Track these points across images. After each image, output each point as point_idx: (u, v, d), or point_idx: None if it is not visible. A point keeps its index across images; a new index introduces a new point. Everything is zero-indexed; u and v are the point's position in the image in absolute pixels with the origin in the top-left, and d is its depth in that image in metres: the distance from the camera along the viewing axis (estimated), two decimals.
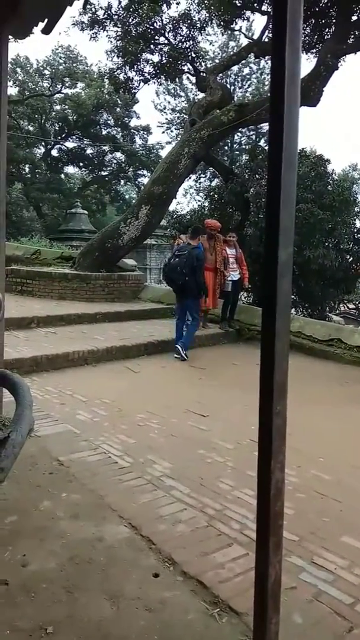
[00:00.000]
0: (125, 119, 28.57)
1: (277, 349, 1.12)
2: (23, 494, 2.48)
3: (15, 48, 36.90)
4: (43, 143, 29.03)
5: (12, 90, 27.39)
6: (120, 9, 11.89)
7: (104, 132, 29.17)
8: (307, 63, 12.05)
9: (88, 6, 11.66)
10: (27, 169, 29.46)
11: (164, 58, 12.32)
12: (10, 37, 3.58)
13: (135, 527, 2.27)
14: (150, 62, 12.54)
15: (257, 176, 11.46)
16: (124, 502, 2.53)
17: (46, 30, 3.51)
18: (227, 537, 2.48)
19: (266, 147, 15.76)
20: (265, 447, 1.15)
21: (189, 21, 12.00)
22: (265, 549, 1.21)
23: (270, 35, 11.58)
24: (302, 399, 4.95)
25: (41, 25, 3.48)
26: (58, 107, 28.36)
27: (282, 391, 1.14)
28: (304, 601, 2.07)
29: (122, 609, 1.79)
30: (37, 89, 27.81)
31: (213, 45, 25.14)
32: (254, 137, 23.67)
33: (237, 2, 11.41)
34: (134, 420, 4.29)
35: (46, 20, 3.42)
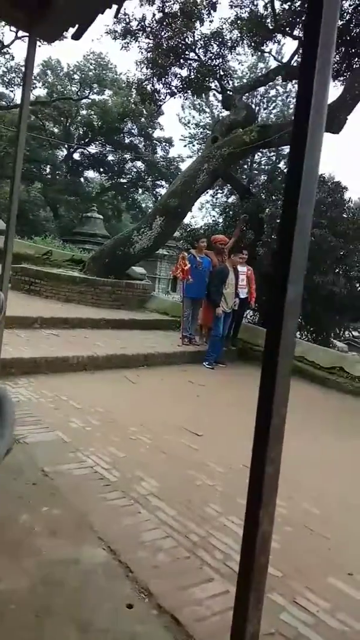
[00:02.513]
0: (149, 129, 28.78)
1: (276, 393, 1.04)
2: (2, 504, 2.39)
3: (47, 51, 37.45)
4: (66, 146, 29.28)
5: (41, 92, 27.75)
6: (154, 21, 11.98)
7: (126, 141, 29.39)
8: (332, 90, 12.08)
9: (122, 16, 11.77)
10: (47, 170, 29.72)
11: (192, 73, 12.38)
12: (38, 40, 3.57)
13: (114, 552, 2.17)
14: (179, 76, 12.61)
15: (273, 197, 11.45)
16: (105, 523, 2.44)
17: (76, 36, 3.49)
18: (209, 569, 2.37)
19: (285, 170, 15.76)
20: (254, 496, 1.07)
21: (220, 39, 12.07)
22: (245, 604, 1.12)
23: (299, 59, 11.63)
24: (299, 427, 4.84)
25: (72, 30, 3.46)
26: (84, 112, 28.64)
27: (278, 438, 1.06)
28: None
29: None
30: (65, 92, 28.11)
31: (242, 65, 25.33)
32: (274, 158, 23.71)
33: (269, 25, 11.46)
34: (126, 433, 4.19)
35: (77, 26, 3.40)
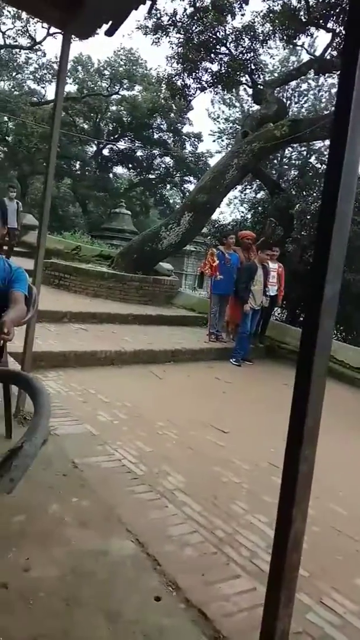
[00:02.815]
0: (178, 124, 28.70)
1: (311, 392, 1.03)
2: (33, 494, 2.44)
3: (78, 47, 37.67)
4: (95, 142, 29.49)
5: (71, 88, 27.99)
6: (185, 16, 11.94)
7: (155, 136, 29.38)
8: None
9: (154, 11, 11.77)
10: (77, 166, 29.98)
11: (223, 68, 12.30)
12: (73, 37, 3.60)
13: (142, 544, 2.19)
14: (209, 70, 12.55)
15: (304, 193, 11.30)
16: (133, 516, 2.47)
17: (109, 33, 3.50)
18: (235, 566, 2.38)
19: (317, 165, 15.50)
20: (287, 493, 1.07)
21: (251, 33, 11.94)
22: (275, 602, 1.12)
23: (332, 52, 11.43)
24: (326, 427, 4.75)
25: (105, 27, 3.48)
26: (114, 108, 28.75)
27: (312, 437, 1.06)
28: None
29: (119, 631, 1.72)
30: (95, 88, 28.27)
31: (273, 59, 24.97)
32: (305, 152, 23.36)
33: (302, 17, 11.28)
34: (152, 428, 4.23)
35: (110, 22, 3.42)
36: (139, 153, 30.36)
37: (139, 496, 2.75)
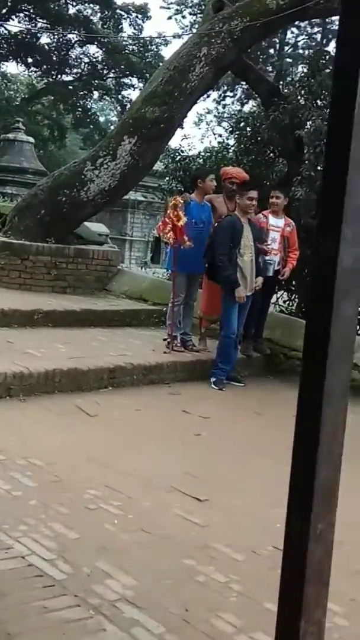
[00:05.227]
0: None
1: (324, 423, 1.03)
2: None
3: None
4: None
5: None
6: None
7: (71, 10, 29.28)
8: None
9: None
10: None
11: None
12: None
13: None
14: None
15: (318, 102, 11.44)
16: None
17: None
18: None
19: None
20: (291, 597, 1.07)
21: None
22: None
23: None
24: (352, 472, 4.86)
25: None
26: None
27: (328, 499, 1.06)
28: None
29: None
30: None
31: None
32: (318, 37, 23.75)
33: None
34: (80, 500, 4.24)
35: None
36: (44, 39, 30.19)
37: (57, 615, 2.73)
